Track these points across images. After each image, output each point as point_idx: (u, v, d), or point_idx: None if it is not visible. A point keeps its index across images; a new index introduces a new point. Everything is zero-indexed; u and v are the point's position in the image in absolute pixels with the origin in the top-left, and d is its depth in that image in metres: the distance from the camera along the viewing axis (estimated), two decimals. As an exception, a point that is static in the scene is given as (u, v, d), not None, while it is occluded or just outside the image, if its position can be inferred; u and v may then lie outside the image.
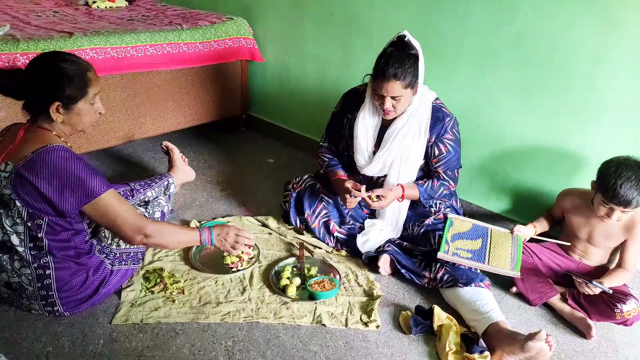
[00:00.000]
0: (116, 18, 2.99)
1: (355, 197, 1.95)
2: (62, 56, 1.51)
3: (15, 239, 1.50)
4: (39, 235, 1.50)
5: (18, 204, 1.46)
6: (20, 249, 1.51)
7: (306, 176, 2.29)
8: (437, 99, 2.00)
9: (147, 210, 2.01)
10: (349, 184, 1.97)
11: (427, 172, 2.09)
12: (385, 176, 2.06)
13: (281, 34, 2.99)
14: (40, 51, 2.16)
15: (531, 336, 1.50)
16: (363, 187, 1.95)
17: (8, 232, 1.50)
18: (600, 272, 1.85)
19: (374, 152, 2.04)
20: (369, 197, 1.95)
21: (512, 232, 1.95)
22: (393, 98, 1.83)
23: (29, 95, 1.51)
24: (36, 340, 1.57)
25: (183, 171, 2.40)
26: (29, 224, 1.49)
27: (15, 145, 1.50)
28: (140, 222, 1.56)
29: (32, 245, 1.52)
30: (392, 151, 1.98)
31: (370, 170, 2.06)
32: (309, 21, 2.80)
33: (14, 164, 1.46)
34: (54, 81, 1.47)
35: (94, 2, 3.37)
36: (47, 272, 1.55)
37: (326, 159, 2.21)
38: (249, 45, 3.00)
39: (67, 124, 1.55)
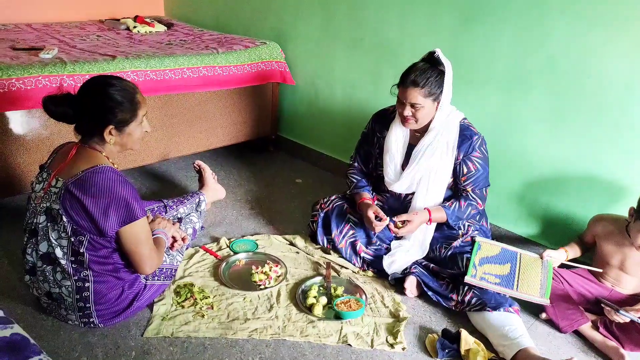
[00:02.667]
0: (155, 42, 3.12)
1: (380, 221, 1.98)
2: (110, 81, 1.58)
3: (59, 252, 1.58)
4: (80, 250, 1.57)
5: (64, 219, 1.54)
6: (62, 262, 1.58)
7: (334, 196, 2.32)
8: (464, 118, 2.03)
9: (181, 227, 2.08)
10: (371, 214, 2.01)
11: (456, 191, 2.10)
12: (413, 194, 2.08)
13: (312, 57, 3.07)
14: (86, 73, 2.29)
15: (561, 363, 1.48)
16: (386, 220, 1.99)
17: (53, 244, 1.57)
18: (634, 300, 1.81)
19: (402, 169, 2.07)
20: (395, 224, 1.97)
21: (541, 257, 1.93)
22: (413, 106, 1.87)
23: (82, 120, 1.60)
24: (72, 350, 1.63)
25: (214, 189, 2.47)
26: (72, 239, 1.56)
27: (67, 163, 1.59)
28: (155, 259, 1.68)
29: (73, 259, 1.59)
30: (421, 168, 2.00)
31: (399, 187, 2.08)
32: (339, 45, 2.88)
33: (64, 181, 1.55)
34: (106, 108, 1.56)
35: (135, 27, 3.52)
36: (87, 284, 1.61)
37: (354, 180, 2.24)
38: (281, 69, 3.08)
39: (118, 144, 1.64)
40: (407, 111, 1.89)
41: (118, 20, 3.72)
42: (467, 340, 1.68)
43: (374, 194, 2.23)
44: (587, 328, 1.81)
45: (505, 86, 2.22)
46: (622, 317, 1.66)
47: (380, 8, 2.60)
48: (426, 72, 1.84)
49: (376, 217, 2.01)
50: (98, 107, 1.56)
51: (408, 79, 1.85)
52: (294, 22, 3.11)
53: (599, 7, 1.88)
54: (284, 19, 3.17)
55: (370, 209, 2.04)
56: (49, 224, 1.57)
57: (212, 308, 1.84)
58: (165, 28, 3.66)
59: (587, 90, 1.99)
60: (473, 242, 2.01)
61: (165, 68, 2.57)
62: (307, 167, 3.25)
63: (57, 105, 1.56)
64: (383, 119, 2.14)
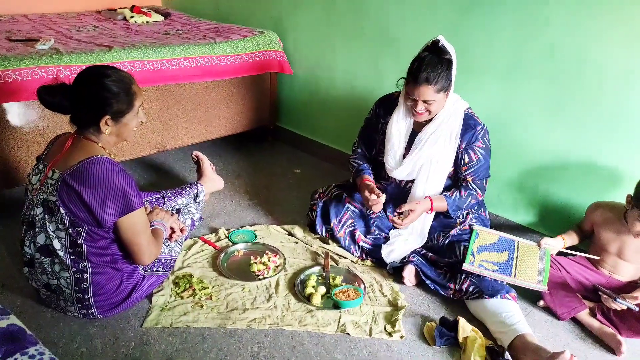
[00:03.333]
0: (152, 32, 3.10)
1: (377, 197, 1.97)
2: (106, 72, 1.57)
3: (56, 244, 1.58)
4: (78, 242, 1.57)
5: (62, 210, 1.53)
6: (60, 253, 1.58)
7: (333, 186, 2.32)
8: (469, 108, 2.02)
9: (179, 218, 2.08)
10: (367, 192, 2.00)
11: (456, 181, 2.10)
12: (413, 181, 2.07)
13: (311, 46, 3.05)
14: (82, 64, 2.27)
15: (555, 356, 1.48)
16: (383, 196, 1.98)
17: (51, 236, 1.57)
18: (632, 287, 1.81)
19: (404, 156, 2.06)
20: (397, 214, 1.96)
21: (539, 245, 1.93)
22: (425, 102, 1.86)
23: (78, 111, 1.59)
24: (71, 341, 1.64)
25: (212, 180, 2.47)
26: (70, 231, 1.56)
27: (63, 154, 1.58)
28: (153, 250, 1.68)
29: (71, 250, 1.59)
30: (422, 155, 1.99)
31: (399, 173, 2.08)
32: (339, 35, 2.85)
33: (60, 172, 1.54)
34: (102, 98, 1.55)
35: (132, 17, 3.50)
36: (85, 276, 1.62)
37: (356, 165, 2.23)
38: (279, 58, 3.07)
39: (113, 135, 1.64)
40: (420, 107, 1.87)
41: (115, 10, 3.70)
42: (465, 328, 1.68)
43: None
44: (584, 315, 1.82)
45: (505, 75, 2.20)
46: (620, 304, 1.66)
47: (379, -4, 2.58)
48: (436, 67, 1.79)
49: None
50: (94, 97, 1.55)
51: (420, 77, 1.80)
52: (293, 12, 3.08)
53: (598, -7, 1.86)
54: (283, 8, 3.14)
55: (366, 188, 2.04)
56: (46, 215, 1.57)
57: (211, 298, 1.85)
58: (162, 18, 3.64)
59: (587, 79, 1.97)
60: (471, 230, 2.01)
61: (162, 58, 2.55)
62: (306, 158, 3.24)
63: (51, 96, 1.55)
64: (387, 104, 2.12)
